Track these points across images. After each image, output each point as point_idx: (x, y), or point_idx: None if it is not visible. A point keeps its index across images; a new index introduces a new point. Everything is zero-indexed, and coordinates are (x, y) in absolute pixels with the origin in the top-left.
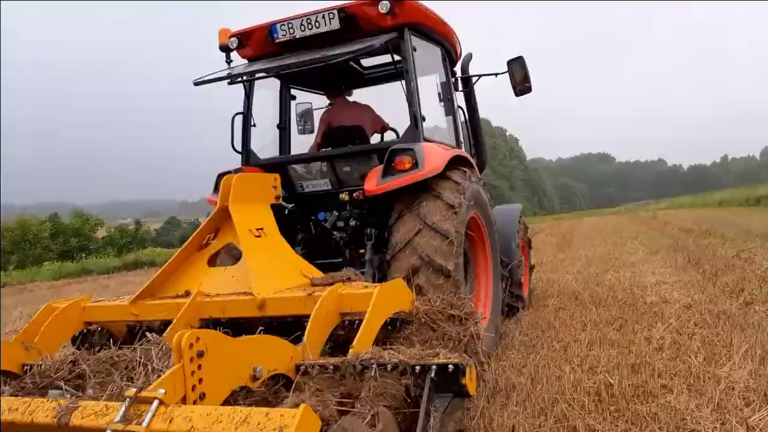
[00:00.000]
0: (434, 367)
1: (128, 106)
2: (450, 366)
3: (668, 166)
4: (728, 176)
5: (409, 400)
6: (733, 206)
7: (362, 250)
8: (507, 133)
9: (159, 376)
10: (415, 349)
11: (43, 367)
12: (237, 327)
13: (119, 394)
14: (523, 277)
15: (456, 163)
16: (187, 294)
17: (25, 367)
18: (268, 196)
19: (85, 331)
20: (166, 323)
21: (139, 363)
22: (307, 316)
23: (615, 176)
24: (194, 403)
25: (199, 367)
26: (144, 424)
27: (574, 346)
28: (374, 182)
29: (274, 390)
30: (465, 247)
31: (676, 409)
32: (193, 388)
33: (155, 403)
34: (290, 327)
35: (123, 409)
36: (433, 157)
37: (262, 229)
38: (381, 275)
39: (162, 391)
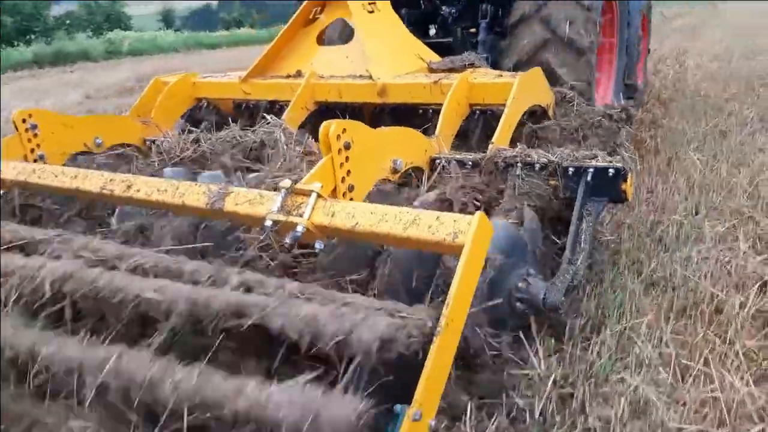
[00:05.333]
0: (591, 169)
1: None
2: (610, 170)
3: None
4: None
5: (555, 201)
6: None
7: (474, 29)
8: None
9: (285, 161)
10: (567, 150)
11: (166, 144)
12: (348, 113)
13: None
14: (637, 64)
15: None
16: (299, 74)
17: (147, 142)
18: None
19: (194, 106)
20: (272, 102)
21: (264, 145)
22: (429, 105)
23: None
24: (343, 195)
25: (347, 159)
26: (305, 216)
27: None
28: None
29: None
30: None
31: None
32: (342, 179)
33: (313, 195)
34: (405, 116)
35: (280, 199)
36: None
37: (374, 3)
38: (494, 59)
39: (318, 184)
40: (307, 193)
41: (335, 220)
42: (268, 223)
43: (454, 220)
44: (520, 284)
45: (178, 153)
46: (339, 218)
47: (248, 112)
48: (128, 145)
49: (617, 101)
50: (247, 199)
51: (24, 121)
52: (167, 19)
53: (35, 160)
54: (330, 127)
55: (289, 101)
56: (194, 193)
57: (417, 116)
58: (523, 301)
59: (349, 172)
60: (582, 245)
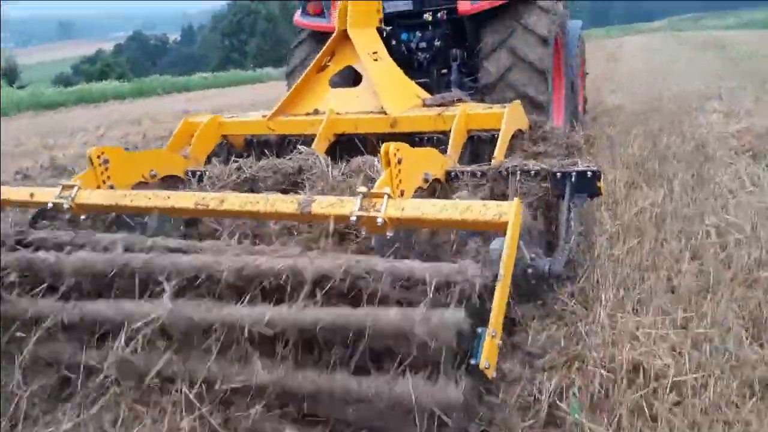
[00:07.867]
0: (574, 173)
1: None
2: (589, 172)
3: None
4: None
5: (547, 199)
6: None
7: (445, 71)
8: None
9: (319, 180)
10: (554, 160)
11: (216, 171)
12: (363, 143)
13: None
14: (579, 90)
15: None
16: (317, 112)
17: (189, 173)
18: (374, 19)
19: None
20: (283, 138)
21: (302, 170)
22: (431, 132)
23: None
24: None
25: (399, 171)
26: (381, 211)
27: None
28: (468, 2)
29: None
30: None
31: None
32: (397, 186)
33: (385, 197)
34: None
35: (358, 201)
36: None
37: (376, 52)
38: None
39: (388, 188)
40: (380, 196)
41: (405, 212)
42: (353, 218)
43: (498, 205)
44: (532, 256)
45: (225, 178)
46: (408, 211)
47: (260, 147)
48: (171, 177)
49: (566, 125)
50: (330, 204)
51: (98, 156)
52: (10, 75)
53: None
54: (389, 146)
55: (303, 135)
56: (285, 202)
57: (414, 143)
58: (533, 269)
59: (401, 181)
60: (572, 229)
